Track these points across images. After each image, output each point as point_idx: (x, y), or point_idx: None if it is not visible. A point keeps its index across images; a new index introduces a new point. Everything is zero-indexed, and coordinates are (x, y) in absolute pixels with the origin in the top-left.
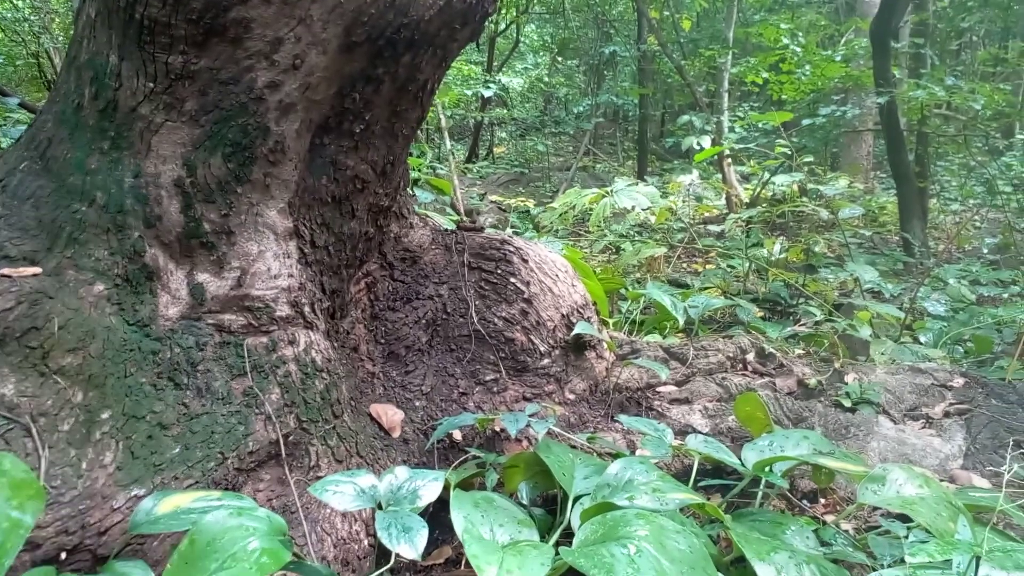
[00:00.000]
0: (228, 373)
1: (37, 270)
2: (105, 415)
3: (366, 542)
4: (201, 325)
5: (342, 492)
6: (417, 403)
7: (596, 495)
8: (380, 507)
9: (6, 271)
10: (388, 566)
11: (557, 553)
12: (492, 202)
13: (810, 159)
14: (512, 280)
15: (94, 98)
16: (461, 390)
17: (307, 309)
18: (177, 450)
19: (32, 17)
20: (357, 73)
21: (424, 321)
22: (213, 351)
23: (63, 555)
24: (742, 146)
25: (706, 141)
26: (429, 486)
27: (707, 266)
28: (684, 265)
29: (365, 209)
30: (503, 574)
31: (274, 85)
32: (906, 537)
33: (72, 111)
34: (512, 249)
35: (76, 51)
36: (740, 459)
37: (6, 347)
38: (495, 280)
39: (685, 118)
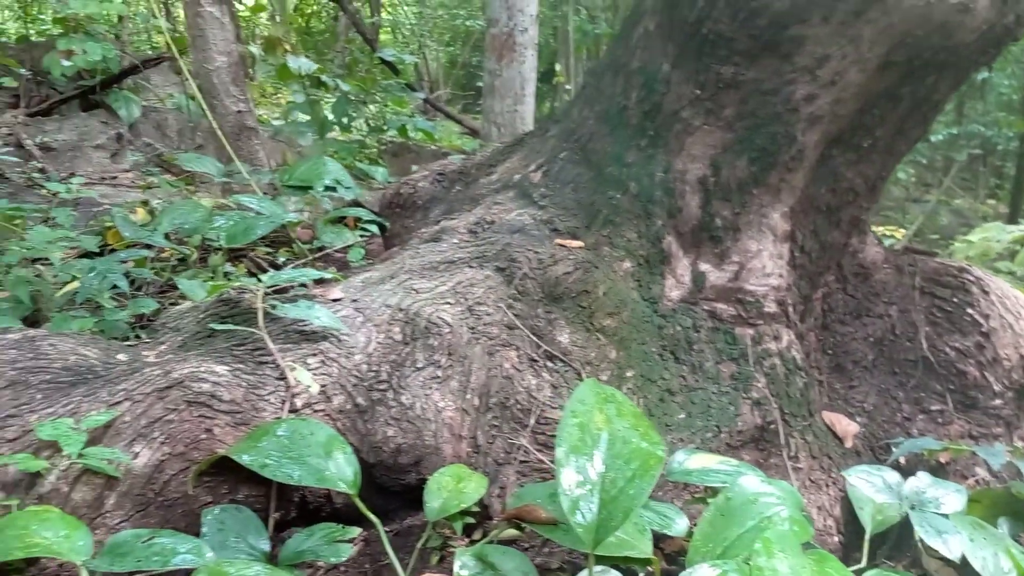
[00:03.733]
0: (717, 356)
1: (580, 244)
2: (629, 373)
3: (836, 539)
4: (697, 310)
5: (872, 482)
6: (858, 419)
7: None
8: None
9: (560, 242)
10: (862, 565)
11: None
12: None
13: None
14: (969, 311)
15: (640, 101)
16: (904, 414)
17: (790, 309)
18: (682, 416)
19: (416, 22)
20: (882, 91)
21: (872, 339)
22: (706, 335)
23: None
24: None
25: None
26: (952, 497)
27: None
28: None
29: (848, 221)
30: None
31: (810, 98)
32: None
33: (616, 111)
34: (972, 279)
35: (627, 59)
36: None
37: (563, 303)
38: (949, 308)
39: None
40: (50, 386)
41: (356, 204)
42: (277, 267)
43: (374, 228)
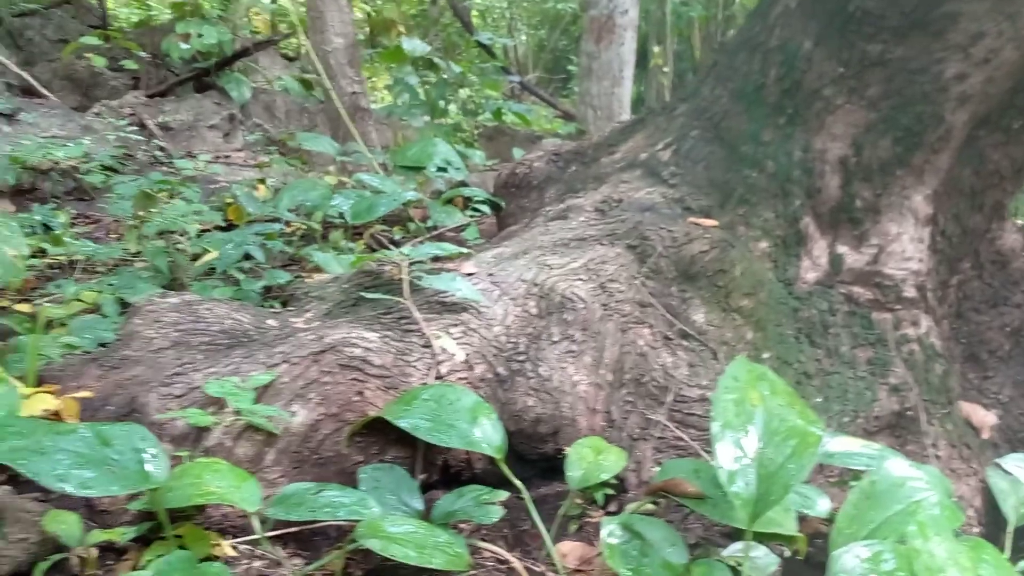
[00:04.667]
0: (853, 340)
1: (714, 223)
2: (766, 355)
3: (976, 530)
4: (833, 293)
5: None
6: (993, 410)
7: None
8: None
9: (694, 220)
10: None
11: None
12: None
13: None
14: None
15: (779, 79)
16: None
17: (929, 295)
18: (819, 399)
19: (506, 6)
20: None
21: (1008, 329)
22: (842, 318)
23: None
24: None
25: None
26: None
27: None
28: None
29: (991, 205)
30: None
31: (960, 77)
32: None
33: (753, 89)
34: None
35: (765, 37)
36: None
37: (698, 282)
38: None
39: None
40: (209, 347)
41: (463, 185)
42: (395, 244)
43: (485, 208)
